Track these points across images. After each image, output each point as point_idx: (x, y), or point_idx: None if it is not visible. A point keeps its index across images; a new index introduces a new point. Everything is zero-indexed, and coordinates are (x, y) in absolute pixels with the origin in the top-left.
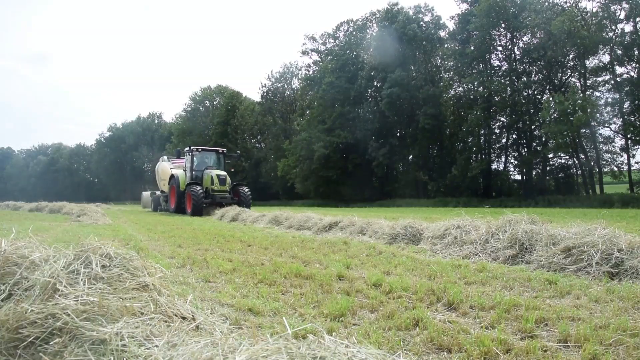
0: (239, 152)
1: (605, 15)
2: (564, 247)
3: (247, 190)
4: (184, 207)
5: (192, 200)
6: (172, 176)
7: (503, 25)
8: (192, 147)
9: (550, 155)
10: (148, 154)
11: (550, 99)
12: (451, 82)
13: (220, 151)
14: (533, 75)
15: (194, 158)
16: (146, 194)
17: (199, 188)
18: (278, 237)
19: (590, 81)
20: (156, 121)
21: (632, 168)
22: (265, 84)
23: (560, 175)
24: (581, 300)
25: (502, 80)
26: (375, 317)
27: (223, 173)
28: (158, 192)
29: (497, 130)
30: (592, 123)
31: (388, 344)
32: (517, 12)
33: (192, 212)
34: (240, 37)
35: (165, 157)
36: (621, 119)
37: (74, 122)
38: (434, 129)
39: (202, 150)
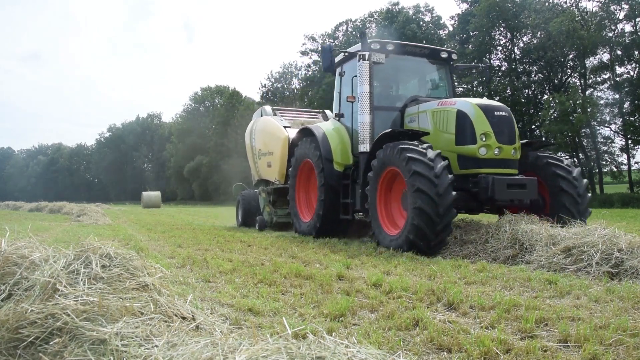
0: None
1: (605, 15)
2: (564, 247)
3: (573, 168)
4: (339, 215)
5: (422, 198)
6: (293, 144)
7: (503, 25)
8: (362, 34)
9: None
10: (148, 154)
11: (551, 98)
12: None
13: (444, 54)
14: (533, 75)
15: (371, 68)
16: (147, 194)
17: (427, 147)
18: (278, 237)
19: (590, 81)
20: (155, 121)
21: (632, 168)
22: (265, 84)
23: None
24: (581, 300)
25: (502, 80)
26: (375, 317)
27: (502, 107)
28: (252, 189)
29: None
30: (592, 123)
31: (388, 344)
32: (517, 12)
33: (427, 243)
34: (239, 37)
35: (268, 108)
36: (621, 119)
37: (74, 122)
38: None
39: (391, 47)
